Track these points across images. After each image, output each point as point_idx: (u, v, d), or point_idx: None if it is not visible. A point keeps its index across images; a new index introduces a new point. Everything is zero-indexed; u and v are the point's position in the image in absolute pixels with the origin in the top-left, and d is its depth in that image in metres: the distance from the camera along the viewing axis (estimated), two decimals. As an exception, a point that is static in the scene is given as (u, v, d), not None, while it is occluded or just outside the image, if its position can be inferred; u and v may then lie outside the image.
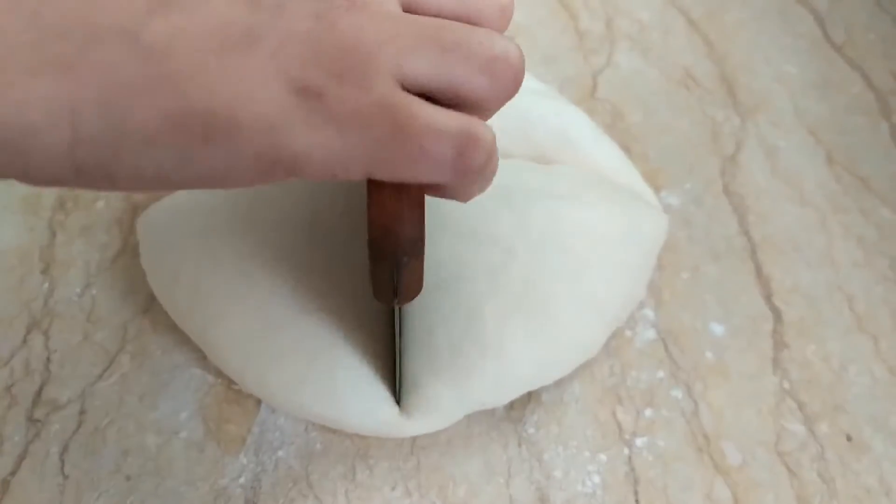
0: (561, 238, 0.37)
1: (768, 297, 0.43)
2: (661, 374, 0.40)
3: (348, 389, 0.35)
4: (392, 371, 0.36)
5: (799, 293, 0.43)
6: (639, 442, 0.38)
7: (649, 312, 0.42)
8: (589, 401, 0.39)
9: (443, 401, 0.35)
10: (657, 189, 0.47)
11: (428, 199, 0.38)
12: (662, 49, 0.54)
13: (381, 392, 0.35)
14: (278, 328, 0.35)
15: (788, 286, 0.43)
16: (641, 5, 0.57)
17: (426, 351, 0.35)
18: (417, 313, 0.36)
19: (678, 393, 0.39)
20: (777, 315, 0.42)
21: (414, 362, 0.35)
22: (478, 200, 0.37)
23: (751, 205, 0.46)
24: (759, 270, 0.44)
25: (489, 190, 0.37)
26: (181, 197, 0.40)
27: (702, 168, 0.48)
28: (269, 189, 0.38)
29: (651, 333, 0.41)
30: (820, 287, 0.43)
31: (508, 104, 0.42)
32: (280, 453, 0.37)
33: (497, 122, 0.41)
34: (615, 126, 0.50)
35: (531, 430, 0.38)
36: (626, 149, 0.49)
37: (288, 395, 0.36)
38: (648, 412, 0.39)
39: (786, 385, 0.40)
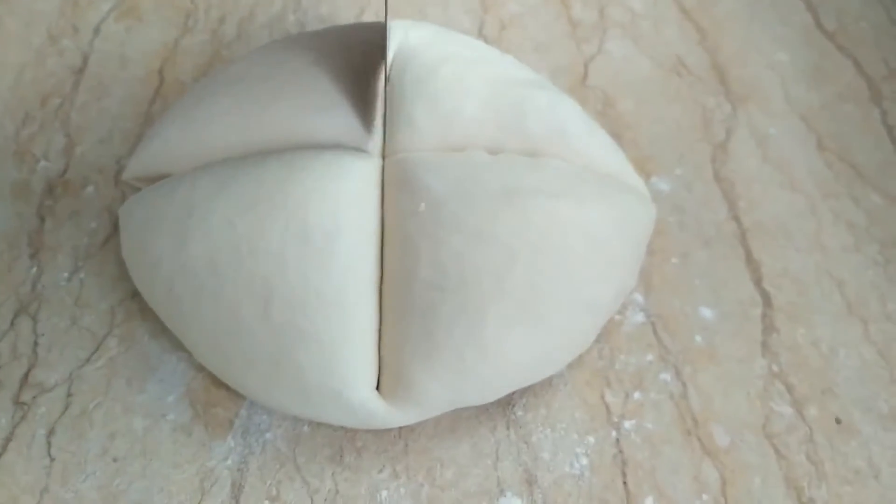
0: (559, 238, 0.37)
1: (758, 282, 0.43)
2: (649, 357, 0.40)
3: (323, 390, 0.35)
4: (371, 358, 0.36)
5: (788, 278, 0.43)
6: (627, 424, 0.38)
7: (638, 297, 0.42)
8: (577, 384, 0.39)
9: (436, 399, 0.35)
10: (648, 175, 0.47)
11: (431, 197, 0.38)
12: (654, 37, 0.54)
13: (360, 390, 0.35)
14: (249, 329, 0.35)
15: (778, 271, 0.43)
16: (633, -6, 0.57)
17: (425, 351, 0.35)
18: (419, 312, 0.36)
19: (667, 376, 0.39)
20: (766, 299, 0.42)
21: (411, 361, 0.35)
22: (479, 199, 0.37)
23: (741, 191, 0.46)
24: (748, 255, 0.44)
25: (490, 189, 0.38)
26: (161, 189, 0.40)
27: (692, 155, 0.48)
28: (242, 184, 0.38)
29: (640, 317, 0.41)
30: (810, 272, 0.43)
31: (501, 94, 0.42)
32: (268, 436, 0.37)
33: (490, 114, 0.42)
34: (606, 113, 0.50)
35: (519, 413, 0.38)
36: (618, 136, 0.49)
37: (265, 396, 0.36)
38: (637, 395, 0.39)
39: (775, 368, 0.40)
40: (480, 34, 0.54)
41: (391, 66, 0.46)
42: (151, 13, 0.55)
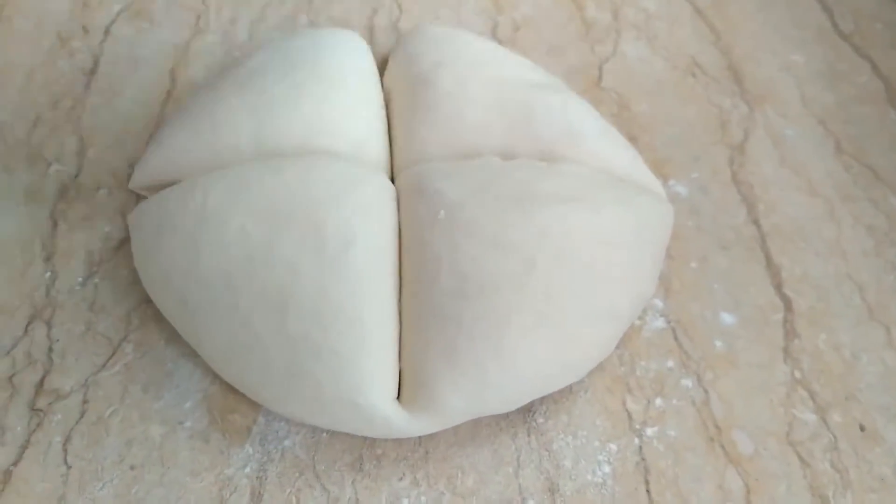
0: (577, 245, 0.36)
1: (778, 287, 0.42)
2: (670, 363, 0.39)
3: (341, 402, 0.34)
4: (391, 367, 0.35)
5: (809, 282, 0.42)
6: (649, 431, 0.37)
7: (658, 302, 0.41)
8: (598, 390, 0.38)
9: (458, 408, 0.35)
10: (664, 178, 0.46)
11: (450, 204, 0.37)
12: (668, 38, 0.54)
13: (379, 401, 0.34)
14: (265, 341, 0.35)
15: (798, 275, 0.42)
16: (647, -5, 0.56)
17: (447, 360, 0.34)
18: (440, 320, 0.35)
19: (688, 382, 0.39)
20: (787, 304, 0.41)
21: (434, 371, 0.35)
22: (496, 207, 0.36)
23: (759, 194, 0.46)
24: (768, 259, 0.43)
25: (505, 195, 0.37)
26: (171, 196, 0.39)
27: (709, 157, 0.47)
28: (256, 193, 0.37)
29: (660, 323, 0.41)
30: (830, 276, 0.42)
31: (508, 97, 0.41)
32: (286, 443, 0.37)
33: (496, 118, 0.41)
34: (621, 116, 0.49)
35: (540, 420, 0.37)
36: (633, 138, 0.48)
37: (282, 407, 0.35)
38: (658, 401, 0.38)
39: (797, 374, 0.39)
40: (494, 36, 0.53)
41: (388, 74, 0.46)
42: (162, 14, 0.54)
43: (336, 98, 0.42)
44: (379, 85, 0.46)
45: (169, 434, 0.37)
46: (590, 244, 0.37)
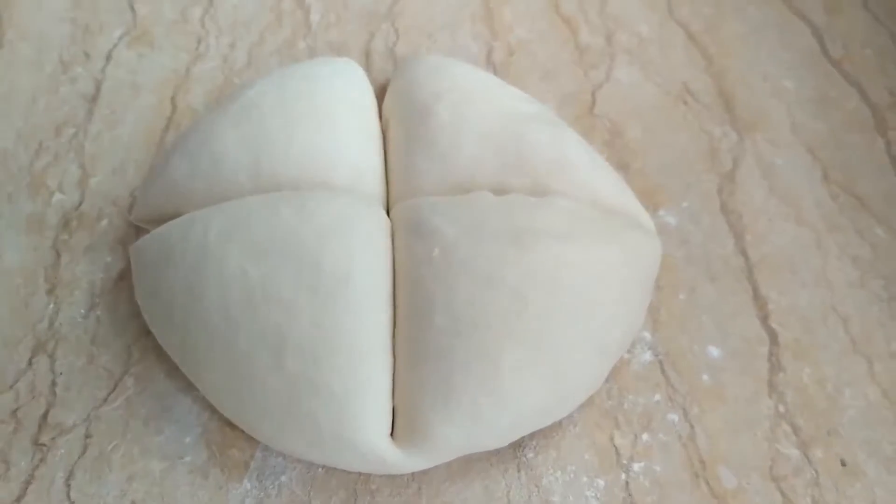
0: (568, 282, 0.36)
1: (764, 319, 0.42)
2: (657, 397, 0.40)
3: (337, 439, 0.35)
4: (385, 405, 0.36)
5: (794, 315, 0.42)
6: (636, 467, 0.37)
7: (646, 334, 0.41)
8: (587, 425, 0.39)
9: (451, 446, 0.35)
10: (655, 207, 0.46)
11: (444, 243, 0.37)
12: (661, 63, 0.53)
13: (374, 438, 0.35)
14: (263, 379, 0.35)
15: (784, 307, 0.43)
16: (641, 18, 0.56)
17: (442, 398, 0.35)
18: (434, 358, 0.35)
19: (675, 416, 0.39)
20: (773, 337, 0.42)
21: (428, 409, 0.35)
22: (489, 246, 0.37)
23: (748, 223, 0.46)
24: (755, 291, 0.43)
25: (498, 232, 0.37)
26: (172, 231, 0.39)
27: (699, 185, 0.47)
28: (255, 230, 0.37)
29: (648, 356, 0.41)
30: (815, 308, 0.43)
31: (501, 130, 0.41)
32: (283, 478, 0.37)
33: (490, 151, 0.41)
34: (614, 142, 0.49)
35: (530, 455, 0.38)
36: (625, 165, 0.48)
37: (279, 443, 0.36)
38: (645, 436, 0.38)
39: (781, 409, 0.39)
40: (489, 61, 0.53)
41: (386, 104, 0.46)
42: (163, 39, 0.54)
43: (332, 131, 0.42)
44: (376, 114, 0.46)
45: (169, 469, 0.37)
46: (580, 281, 0.37)
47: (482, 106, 0.43)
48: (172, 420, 0.38)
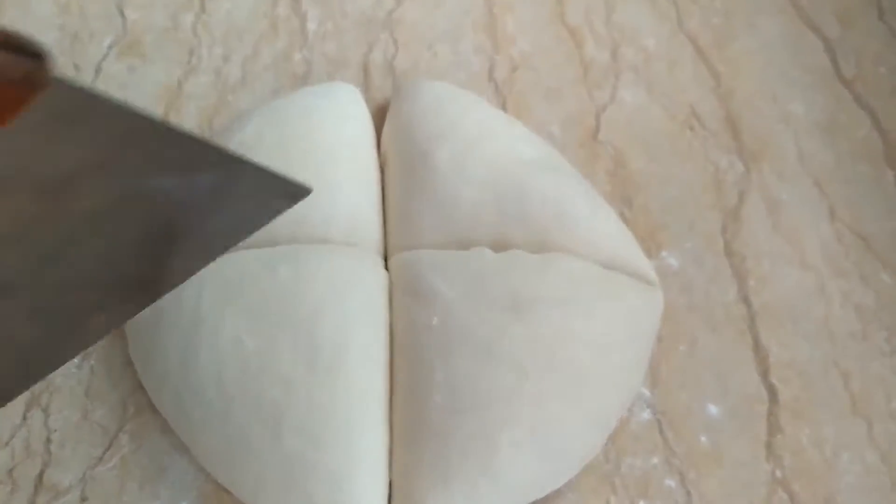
0: (568, 351, 0.34)
1: (764, 374, 0.40)
2: (655, 460, 0.38)
3: None
4: (382, 481, 0.34)
5: (795, 369, 0.40)
6: (631, 537, 0.36)
7: (645, 391, 0.39)
8: (584, 490, 0.37)
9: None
10: (658, 248, 0.43)
11: (443, 309, 0.34)
12: (668, 83, 0.49)
13: None
14: (259, 453, 0.33)
15: (785, 361, 0.40)
16: (649, 29, 0.51)
17: (440, 479, 0.33)
18: (433, 437, 0.33)
19: (672, 482, 0.37)
20: (773, 394, 0.39)
21: (426, 490, 0.33)
22: (488, 314, 0.34)
23: (751, 267, 0.43)
24: (756, 342, 0.41)
25: (498, 298, 0.34)
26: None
27: (703, 223, 0.44)
28: (250, 295, 0.35)
29: (647, 414, 0.39)
30: (816, 363, 0.40)
31: (502, 179, 0.38)
32: (279, 546, 0.35)
33: (490, 201, 0.38)
34: (617, 173, 0.46)
35: (527, 523, 0.36)
36: (628, 200, 0.45)
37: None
38: (642, 503, 0.37)
39: (778, 474, 0.37)
40: (490, 78, 0.49)
41: (384, 138, 0.42)
42: (154, 49, 0.50)
43: (331, 179, 0.39)
44: (375, 149, 0.43)
45: (165, 536, 0.35)
46: (581, 349, 0.35)
47: (482, 151, 0.39)
48: (168, 483, 0.36)
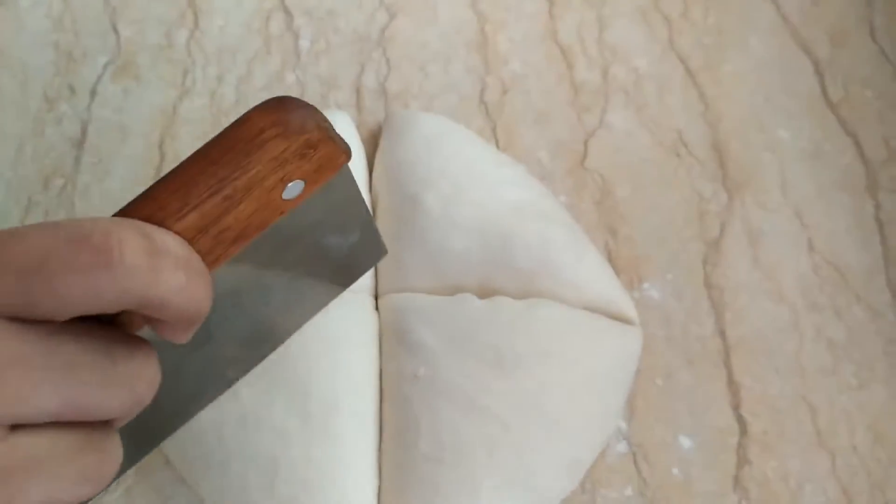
0: (550, 404, 0.36)
1: (736, 407, 0.42)
2: (629, 491, 0.40)
3: None
4: None
5: (766, 403, 0.43)
6: (604, 567, 0.39)
7: (623, 424, 0.42)
8: (560, 522, 0.40)
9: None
10: (640, 279, 0.45)
11: (428, 361, 0.37)
12: (657, 106, 0.51)
13: None
14: (255, 499, 0.35)
15: (756, 395, 0.43)
16: (640, 51, 0.52)
17: None
18: (418, 485, 0.36)
19: (643, 513, 0.40)
20: (743, 427, 0.42)
21: None
22: (473, 368, 0.36)
23: (728, 301, 0.45)
24: (729, 377, 0.43)
25: (482, 351, 0.37)
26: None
27: (685, 254, 0.46)
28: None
29: (623, 447, 0.41)
30: (786, 397, 0.43)
31: (490, 226, 0.40)
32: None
33: (483, 249, 0.40)
34: (603, 203, 0.48)
35: (506, 553, 0.39)
36: (613, 231, 0.47)
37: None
38: (615, 534, 0.40)
39: (744, 505, 0.40)
40: (481, 101, 0.50)
41: (375, 174, 0.44)
42: (148, 69, 0.51)
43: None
44: (367, 184, 0.44)
45: (169, 564, 0.38)
46: (561, 398, 0.37)
47: (471, 196, 0.41)
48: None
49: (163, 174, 0.46)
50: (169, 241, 0.22)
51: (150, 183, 0.46)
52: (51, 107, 0.49)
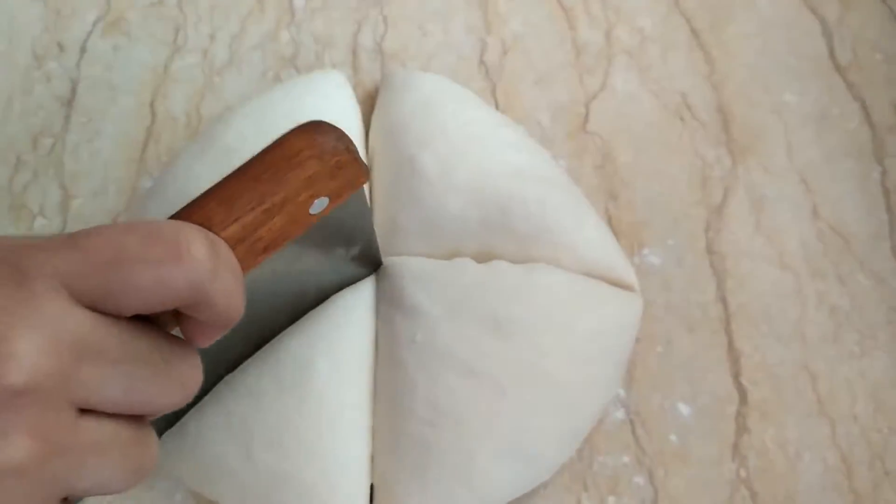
0: (546, 370, 0.36)
1: (736, 376, 0.42)
2: (626, 458, 0.40)
3: None
4: (363, 483, 0.36)
5: (766, 371, 0.42)
6: (600, 533, 0.39)
7: (621, 391, 0.42)
8: (557, 487, 0.40)
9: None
10: (640, 246, 0.45)
11: (426, 326, 0.36)
12: (661, 68, 0.50)
13: None
14: (235, 470, 0.35)
15: (756, 363, 0.42)
16: (645, 11, 0.51)
17: (418, 486, 0.35)
18: (412, 447, 0.35)
19: (640, 479, 0.40)
20: (742, 396, 0.42)
21: (404, 494, 0.36)
22: (470, 333, 0.36)
23: (730, 267, 0.44)
24: (730, 344, 0.43)
25: (480, 317, 0.36)
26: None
27: (687, 221, 0.46)
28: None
29: (621, 414, 0.41)
30: (787, 365, 0.42)
31: (487, 189, 0.39)
32: (269, 538, 0.38)
33: (481, 213, 0.39)
34: (605, 168, 0.47)
35: (502, 519, 0.39)
36: (614, 196, 0.46)
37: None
38: (612, 500, 0.39)
39: (742, 473, 0.40)
40: (481, 61, 0.49)
41: (371, 146, 0.43)
42: (138, 27, 0.50)
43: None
44: (363, 145, 0.44)
45: (162, 527, 0.38)
46: (558, 365, 0.37)
47: (470, 158, 0.40)
48: (162, 475, 0.39)
49: (154, 135, 0.46)
50: (222, 247, 0.24)
51: (141, 143, 0.46)
52: (39, 64, 0.48)
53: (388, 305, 0.38)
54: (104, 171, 0.46)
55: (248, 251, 0.25)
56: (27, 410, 0.20)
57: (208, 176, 0.38)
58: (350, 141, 0.28)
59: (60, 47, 0.49)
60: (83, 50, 0.49)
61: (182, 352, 0.24)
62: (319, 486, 0.35)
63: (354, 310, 0.38)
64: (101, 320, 0.22)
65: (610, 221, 0.45)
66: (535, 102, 0.48)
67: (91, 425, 0.22)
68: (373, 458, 0.37)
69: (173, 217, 0.25)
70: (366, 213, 0.35)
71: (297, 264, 0.32)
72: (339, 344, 0.37)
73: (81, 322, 0.21)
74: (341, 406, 0.36)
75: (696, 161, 0.47)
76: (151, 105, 0.47)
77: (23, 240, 0.22)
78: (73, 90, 0.48)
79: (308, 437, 0.35)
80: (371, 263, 0.39)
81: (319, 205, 0.27)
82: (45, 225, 0.44)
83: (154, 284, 0.22)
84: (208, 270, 0.23)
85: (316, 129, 0.28)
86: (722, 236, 0.45)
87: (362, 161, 0.29)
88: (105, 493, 0.23)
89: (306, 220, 0.27)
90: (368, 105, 0.47)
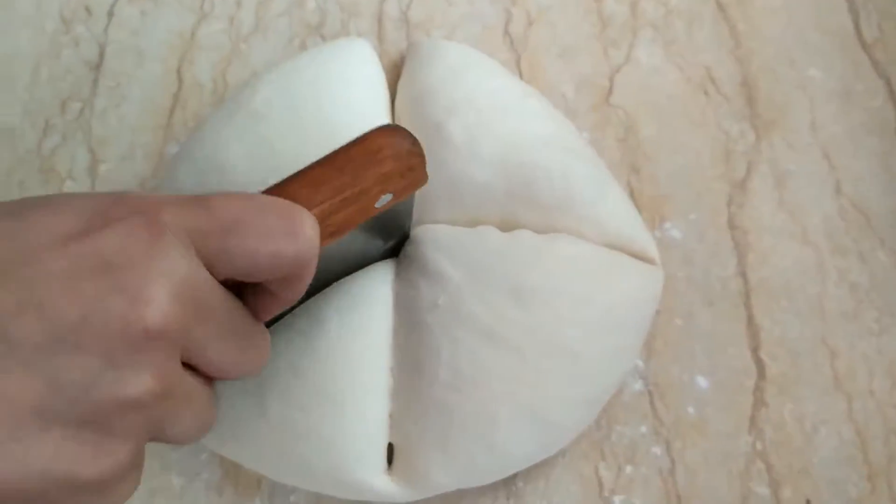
0: (566, 338, 0.36)
1: (755, 350, 0.42)
2: (643, 429, 0.41)
3: (332, 477, 0.36)
4: (381, 442, 0.37)
5: (785, 346, 0.43)
6: (616, 500, 0.40)
7: (640, 363, 0.42)
8: (575, 456, 0.40)
9: (446, 486, 0.37)
10: (662, 219, 0.45)
11: (450, 291, 0.37)
12: (686, 42, 0.50)
13: (369, 475, 0.37)
14: (248, 423, 0.36)
15: (776, 337, 0.43)
16: (670, -17, 0.51)
17: (439, 449, 0.36)
18: (434, 411, 0.36)
19: (657, 450, 0.40)
20: (761, 370, 0.42)
21: (425, 456, 0.36)
22: (493, 300, 0.36)
23: (752, 241, 0.45)
24: (750, 318, 0.43)
25: (502, 284, 0.37)
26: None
27: (709, 194, 0.46)
28: None
29: (639, 385, 0.42)
30: (806, 340, 0.43)
31: (513, 158, 0.40)
32: (292, 498, 0.39)
33: (506, 181, 0.40)
34: (627, 141, 0.47)
35: (520, 484, 0.40)
36: (637, 169, 0.46)
37: (281, 478, 0.37)
38: (629, 469, 0.40)
39: (759, 446, 0.41)
40: (506, 32, 0.50)
41: (398, 103, 0.44)
42: (165, -8, 0.50)
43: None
44: (388, 114, 0.44)
45: (187, 485, 0.39)
46: (578, 334, 0.37)
47: (495, 126, 0.41)
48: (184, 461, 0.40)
49: (180, 101, 0.46)
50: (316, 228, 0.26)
51: (168, 110, 0.46)
52: (67, 28, 0.49)
53: (411, 269, 0.39)
54: (131, 136, 0.46)
55: (320, 235, 0.27)
56: (156, 353, 0.21)
57: (235, 141, 0.39)
58: (420, 146, 0.31)
59: (88, 11, 0.49)
60: (111, 14, 0.49)
61: (258, 325, 0.26)
62: (338, 441, 0.36)
63: (373, 271, 0.38)
64: (215, 285, 0.23)
65: (632, 194, 0.45)
66: (559, 74, 0.48)
67: (189, 380, 0.24)
68: (392, 419, 0.37)
69: (265, 192, 0.27)
70: (409, 211, 0.37)
71: (337, 253, 0.33)
72: (352, 301, 0.37)
73: (205, 280, 0.23)
74: (357, 362, 0.37)
75: (719, 135, 0.47)
76: (178, 71, 0.48)
77: (155, 195, 0.24)
78: (101, 55, 0.48)
79: (322, 391, 0.36)
80: (396, 254, 0.40)
81: (384, 200, 0.30)
82: (74, 188, 0.45)
83: (268, 254, 0.24)
84: (314, 248, 0.25)
85: (395, 132, 0.30)
86: (744, 211, 0.45)
87: (425, 164, 0.32)
88: (178, 444, 0.25)
89: (370, 213, 0.29)
90: (394, 75, 0.47)
